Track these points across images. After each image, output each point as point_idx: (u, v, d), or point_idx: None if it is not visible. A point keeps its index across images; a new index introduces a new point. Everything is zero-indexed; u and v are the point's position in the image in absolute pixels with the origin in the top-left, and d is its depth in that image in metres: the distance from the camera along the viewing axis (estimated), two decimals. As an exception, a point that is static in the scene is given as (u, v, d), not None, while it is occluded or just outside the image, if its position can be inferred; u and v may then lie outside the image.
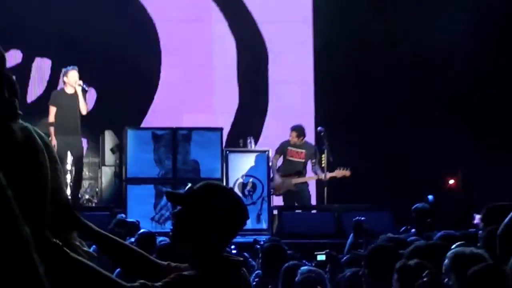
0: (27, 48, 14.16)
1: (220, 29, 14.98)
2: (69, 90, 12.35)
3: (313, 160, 12.95)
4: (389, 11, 14.87)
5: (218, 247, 3.21)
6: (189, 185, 3.12)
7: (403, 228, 9.92)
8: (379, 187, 13.64)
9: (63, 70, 12.57)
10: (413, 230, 9.22)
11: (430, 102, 14.65)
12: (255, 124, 14.73)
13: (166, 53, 14.84)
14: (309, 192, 13.13)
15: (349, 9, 14.48)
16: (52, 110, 12.28)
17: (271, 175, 13.14)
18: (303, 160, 13.02)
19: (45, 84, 14.17)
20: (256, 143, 13.65)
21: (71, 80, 12.33)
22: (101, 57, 14.08)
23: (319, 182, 13.16)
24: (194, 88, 14.81)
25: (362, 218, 8.92)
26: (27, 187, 2.81)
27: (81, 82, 12.33)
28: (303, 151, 12.99)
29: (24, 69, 14.13)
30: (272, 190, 13.07)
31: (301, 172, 13.13)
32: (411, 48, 14.56)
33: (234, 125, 14.70)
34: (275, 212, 12.60)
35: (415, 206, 9.89)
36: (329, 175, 12.90)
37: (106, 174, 13.05)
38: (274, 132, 14.32)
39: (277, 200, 13.18)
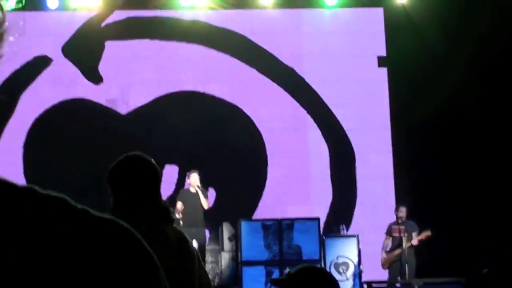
0: (156, 157, 14.61)
1: (315, 136, 15.12)
2: (192, 189, 12.88)
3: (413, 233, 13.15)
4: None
5: None
6: (287, 270, 3.21)
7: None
8: (456, 258, 13.54)
9: (188, 173, 13.11)
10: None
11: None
12: (346, 214, 14.75)
13: (271, 157, 15.04)
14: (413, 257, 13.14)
15: (424, 111, 14.48)
16: (179, 204, 12.64)
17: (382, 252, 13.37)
18: (400, 235, 13.27)
19: (173, 186, 14.29)
20: (347, 229, 14.03)
21: (192, 181, 12.93)
22: (219, 162, 14.45)
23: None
24: (295, 185, 14.85)
25: None
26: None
27: (199, 185, 12.84)
28: (401, 227, 13.33)
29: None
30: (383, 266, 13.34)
31: (400, 245, 13.31)
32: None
33: (329, 215, 14.69)
34: (365, 287, 12.81)
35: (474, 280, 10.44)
36: (416, 240, 13.17)
37: (225, 258, 13.36)
38: (362, 220, 14.59)
39: (366, 277, 13.16)
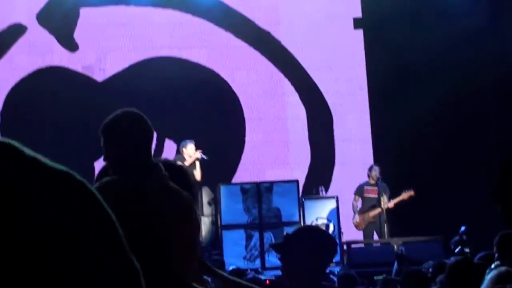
0: None
1: (292, 99, 15.25)
2: (187, 160, 12.68)
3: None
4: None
5: (318, 276, 3.38)
6: (285, 232, 3.40)
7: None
8: (432, 217, 13.66)
9: (182, 143, 13.02)
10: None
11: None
12: (325, 176, 14.81)
13: (249, 121, 15.16)
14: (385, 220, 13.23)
15: (400, 73, 14.77)
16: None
17: (353, 215, 13.52)
18: (377, 196, 13.40)
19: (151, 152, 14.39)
20: (326, 191, 13.96)
21: (190, 152, 12.82)
22: (197, 127, 14.30)
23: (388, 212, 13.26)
24: (273, 148, 15.01)
25: (402, 249, 9.48)
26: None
27: (199, 153, 12.77)
28: (376, 188, 13.41)
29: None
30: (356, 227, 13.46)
31: (376, 206, 13.41)
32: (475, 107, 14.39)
33: (307, 177, 14.74)
34: (345, 247, 12.76)
35: (453, 240, 10.52)
36: (395, 200, 13.25)
37: (205, 223, 13.22)
38: (340, 181, 14.62)
39: (345, 237, 13.25)
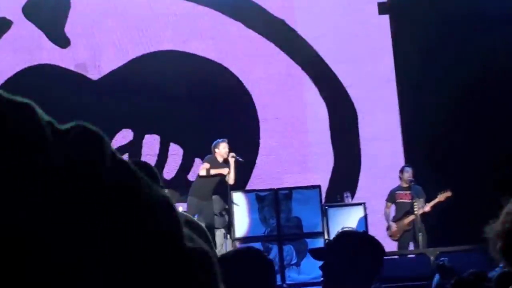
0: (137, 127, 14.47)
1: (311, 95, 15.08)
2: (219, 159, 12.75)
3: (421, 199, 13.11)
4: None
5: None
6: (326, 239, 3.55)
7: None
8: (470, 223, 13.39)
9: (214, 143, 12.92)
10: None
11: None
12: (350, 180, 14.67)
13: (264, 121, 15.04)
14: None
15: (431, 64, 14.67)
16: (207, 166, 12.59)
17: (387, 224, 13.37)
18: (410, 201, 13.14)
19: (155, 158, 14.43)
20: (352, 197, 13.82)
21: (222, 152, 12.74)
22: (205, 129, 14.25)
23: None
24: (292, 151, 14.86)
25: (444, 259, 8.91)
26: None
27: (234, 154, 12.72)
28: (409, 192, 13.16)
29: (135, 146, 14.39)
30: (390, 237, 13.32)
31: (410, 212, 13.20)
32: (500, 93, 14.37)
33: (331, 182, 14.64)
34: None
35: None
36: (431, 203, 13.02)
37: (217, 236, 13.07)
38: (367, 186, 14.48)
39: None
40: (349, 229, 3.38)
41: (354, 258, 3.26)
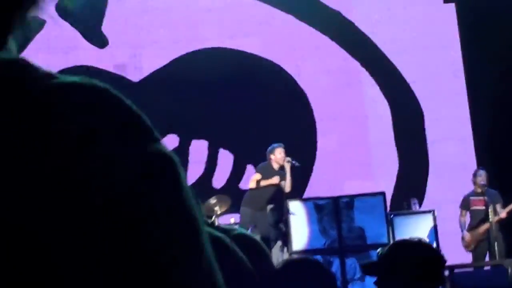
0: (183, 132, 14.55)
1: (372, 93, 15.02)
2: (275, 166, 12.65)
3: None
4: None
5: None
6: (379, 250, 3.15)
7: None
8: None
9: (269, 148, 12.83)
10: None
11: None
12: (417, 185, 14.64)
13: (320, 121, 14.98)
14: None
15: (500, 57, 14.45)
16: (257, 177, 12.53)
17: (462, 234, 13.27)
18: (484, 208, 13.00)
19: (203, 165, 14.53)
20: (420, 204, 13.65)
21: (278, 157, 12.61)
22: (256, 133, 14.33)
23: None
24: (352, 154, 14.80)
25: None
26: None
27: (290, 159, 12.59)
28: (483, 198, 13.01)
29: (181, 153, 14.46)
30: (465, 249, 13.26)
31: (485, 219, 13.07)
32: None
33: (396, 188, 14.62)
34: (447, 272, 12.16)
35: None
36: (507, 209, 12.80)
37: (274, 249, 12.92)
38: (437, 192, 14.39)
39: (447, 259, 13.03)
40: (405, 239, 3.42)
41: (410, 271, 3.14)
